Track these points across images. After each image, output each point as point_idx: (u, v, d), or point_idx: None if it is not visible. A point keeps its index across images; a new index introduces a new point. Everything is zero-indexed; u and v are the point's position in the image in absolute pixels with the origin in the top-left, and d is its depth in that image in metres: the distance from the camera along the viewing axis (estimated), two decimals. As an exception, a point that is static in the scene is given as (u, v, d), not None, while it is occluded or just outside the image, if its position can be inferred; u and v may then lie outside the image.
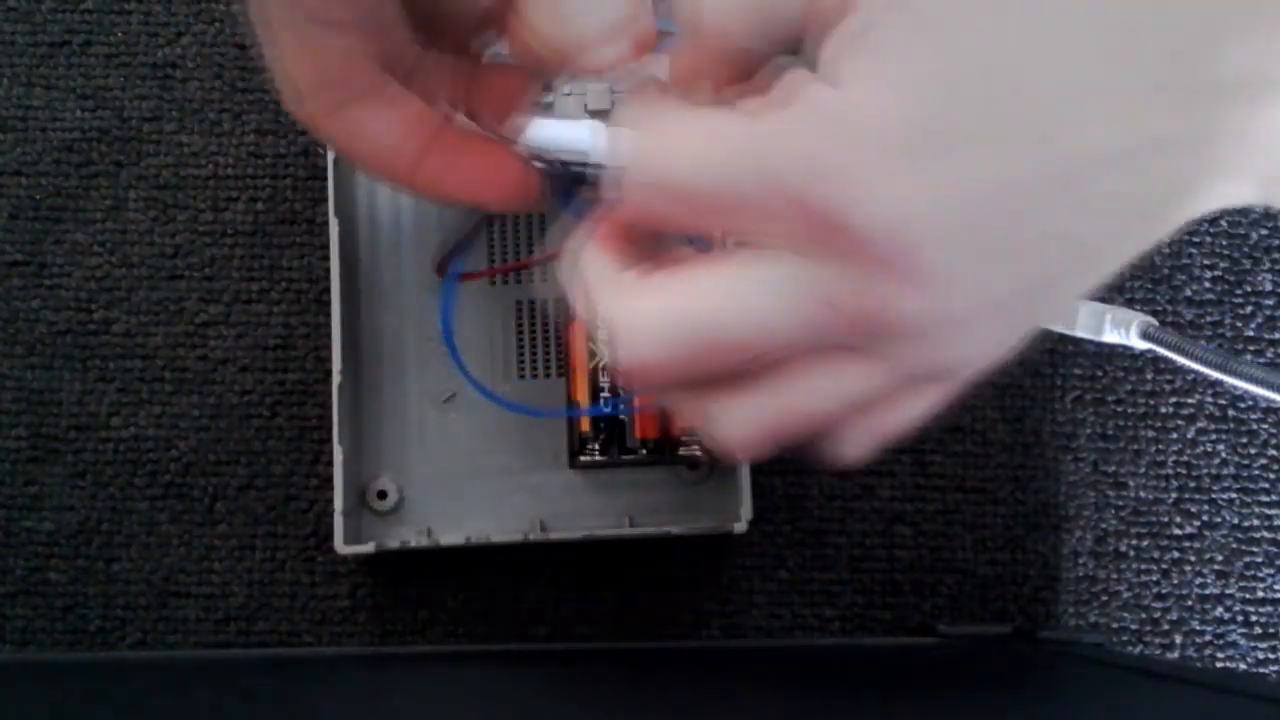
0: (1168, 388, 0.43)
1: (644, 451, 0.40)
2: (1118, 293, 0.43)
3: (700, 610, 0.42)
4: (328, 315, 0.39)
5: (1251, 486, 0.42)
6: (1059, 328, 0.41)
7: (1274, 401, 0.39)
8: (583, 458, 0.40)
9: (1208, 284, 0.43)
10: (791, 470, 0.42)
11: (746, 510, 0.38)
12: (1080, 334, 0.40)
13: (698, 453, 0.40)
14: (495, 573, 0.42)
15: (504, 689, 0.35)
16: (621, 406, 0.40)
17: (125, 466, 0.42)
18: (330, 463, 0.39)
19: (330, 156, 0.40)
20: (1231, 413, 0.43)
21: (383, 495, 0.40)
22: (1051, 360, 0.43)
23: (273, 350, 0.42)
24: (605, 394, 0.40)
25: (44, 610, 0.41)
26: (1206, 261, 0.43)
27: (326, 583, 0.42)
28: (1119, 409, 0.43)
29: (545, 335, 0.42)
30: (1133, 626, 0.42)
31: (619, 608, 0.42)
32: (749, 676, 0.37)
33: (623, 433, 0.40)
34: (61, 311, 0.42)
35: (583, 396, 0.40)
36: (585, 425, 0.40)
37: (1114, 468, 0.42)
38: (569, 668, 0.39)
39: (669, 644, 0.41)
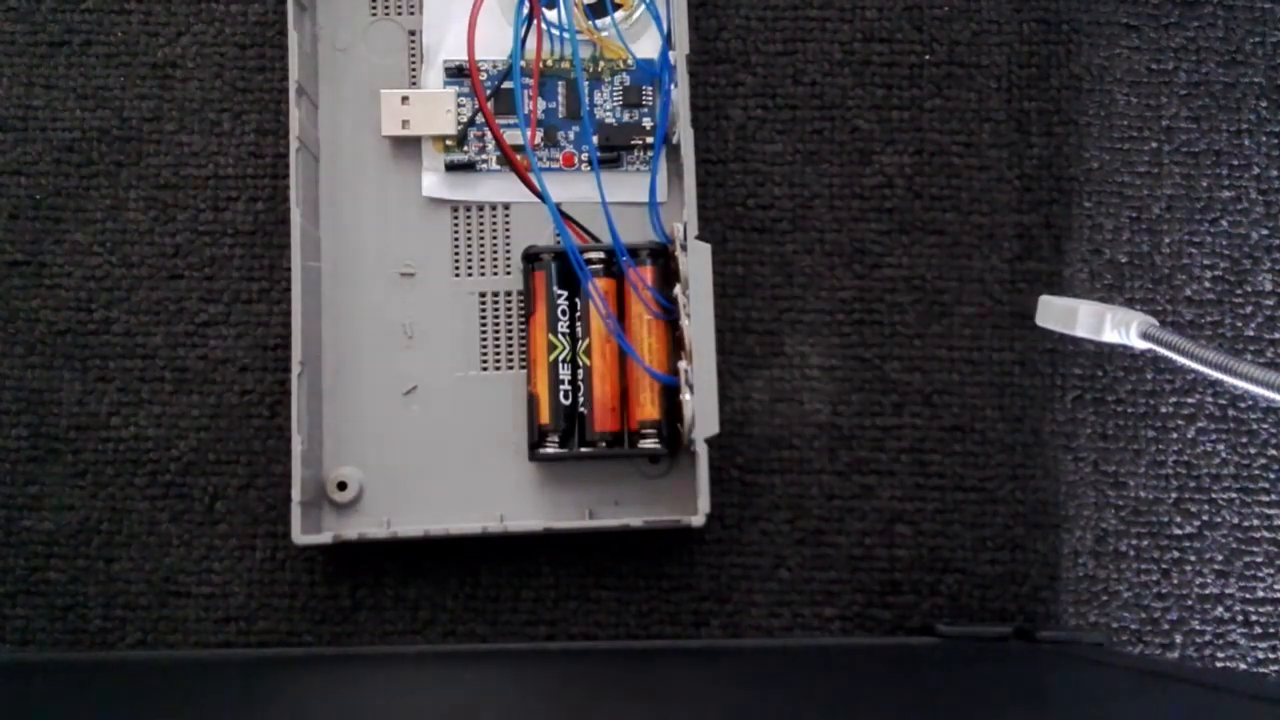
0: (1168, 388, 0.43)
1: (604, 445, 0.40)
2: (1118, 293, 0.43)
3: (700, 610, 0.42)
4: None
5: (1251, 486, 0.42)
6: (1059, 328, 0.41)
7: (1274, 401, 0.39)
8: (542, 450, 0.40)
9: (1208, 284, 0.43)
10: (791, 470, 0.42)
11: (704, 504, 0.39)
12: (1080, 334, 0.40)
13: (658, 446, 0.40)
14: (494, 571, 0.42)
15: (504, 689, 0.35)
16: (581, 399, 0.40)
17: (125, 466, 0.42)
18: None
19: (293, 148, 0.40)
20: (1231, 413, 0.43)
21: (342, 486, 0.41)
22: (1051, 360, 0.43)
23: (273, 350, 0.42)
24: (564, 386, 0.40)
25: (44, 610, 0.41)
26: (1206, 261, 0.43)
27: (326, 583, 0.42)
28: (1119, 409, 0.43)
29: (507, 328, 0.42)
30: (1133, 626, 0.42)
31: (618, 607, 0.42)
32: (749, 676, 0.37)
33: (583, 426, 0.41)
34: (61, 311, 0.42)
35: (542, 389, 0.40)
36: (545, 418, 0.40)
37: (1114, 468, 0.42)
38: (569, 667, 0.39)
39: (669, 643, 0.41)
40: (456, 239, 0.42)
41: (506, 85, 0.42)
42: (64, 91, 0.43)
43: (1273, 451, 0.42)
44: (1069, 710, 0.32)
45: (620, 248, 0.40)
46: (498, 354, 0.42)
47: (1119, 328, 0.39)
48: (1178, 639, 0.42)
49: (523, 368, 0.42)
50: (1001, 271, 0.43)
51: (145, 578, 0.41)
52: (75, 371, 0.42)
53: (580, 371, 0.41)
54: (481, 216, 0.42)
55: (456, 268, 0.42)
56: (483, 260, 0.42)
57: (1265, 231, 0.43)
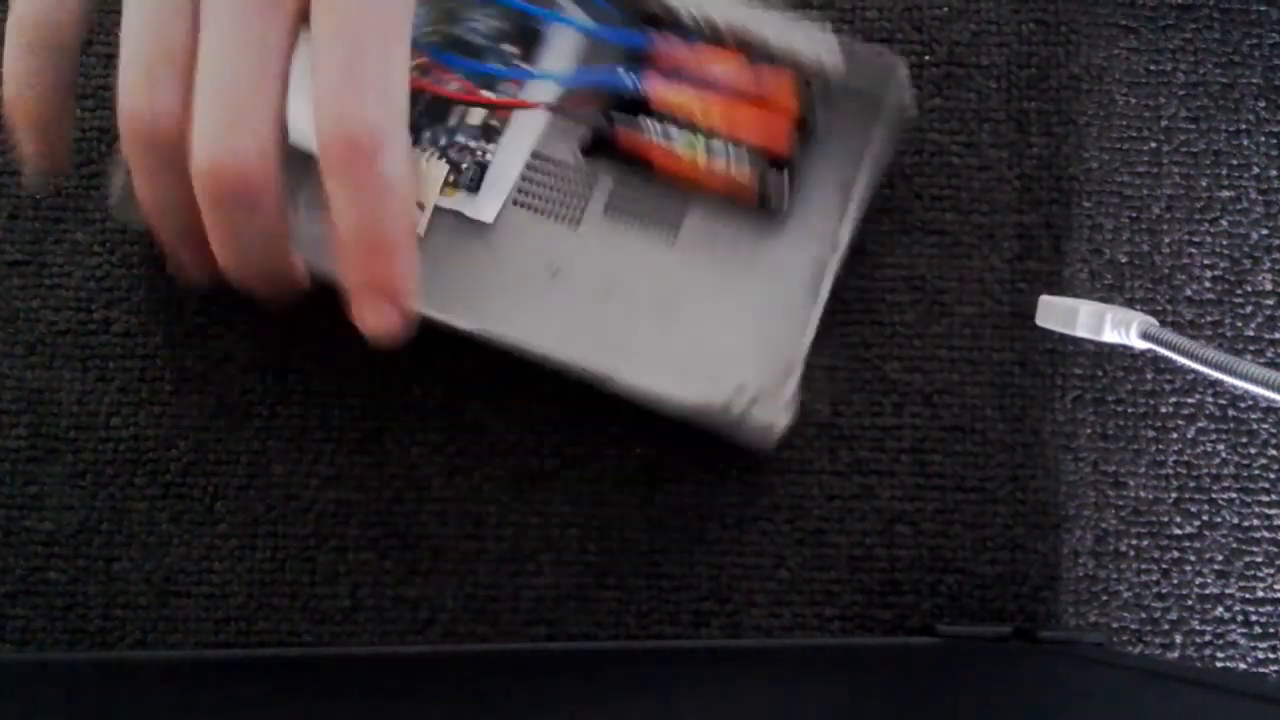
0: (1168, 388, 0.43)
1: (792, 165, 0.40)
2: (1118, 293, 0.43)
3: (700, 610, 0.42)
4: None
5: (1251, 486, 0.42)
6: (1059, 328, 0.41)
7: (1274, 401, 0.39)
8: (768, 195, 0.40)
9: (1208, 284, 0.43)
10: (792, 470, 0.42)
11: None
12: (1080, 334, 0.40)
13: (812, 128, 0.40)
14: (493, 571, 0.42)
15: (504, 689, 0.35)
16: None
17: (125, 466, 0.42)
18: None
19: None
20: (1231, 413, 0.43)
21: None
22: (1051, 360, 0.43)
23: (272, 350, 0.42)
24: (722, 162, 0.40)
25: (44, 610, 0.41)
26: (1206, 261, 0.43)
27: (326, 582, 0.42)
28: (1119, 409, 0.43)
29: (644, 191, 0.40)
30: (1133, 626, 0.42)
31: (618, 607, 0.42)
32: (749, 676, 0.37)
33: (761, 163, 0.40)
34: (61, 311, 0.42)
35: (716, 181, 0.40)
36: (743, 190, 0.40)
37: (1114, 468, 0.42)
38: (568, 668, 0.39)
39: (669, 644, 0.41)
40: (535, 210, 0.41)
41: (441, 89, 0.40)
42: (64, 91, 0.43)
43: (1273, 451, 0.42)
44: (1069, 710, 0.32)
45: (637, 38, 0.39)
46: (654, 215, 0.41)
47: (1119, 328, 0.39)
48: (1178, 639, 0.42)
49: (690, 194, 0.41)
50: (1001, 271, 0.43)
51: (145, 578, 0.41)
52: (75, 371, 0.42)
53: (717, 143, 0.40)
54: (531, 175, 0.41)
55: (573, 219, 0.41)
56: (566, 207, 0.41)
57: (1265, 231, 0.43)
